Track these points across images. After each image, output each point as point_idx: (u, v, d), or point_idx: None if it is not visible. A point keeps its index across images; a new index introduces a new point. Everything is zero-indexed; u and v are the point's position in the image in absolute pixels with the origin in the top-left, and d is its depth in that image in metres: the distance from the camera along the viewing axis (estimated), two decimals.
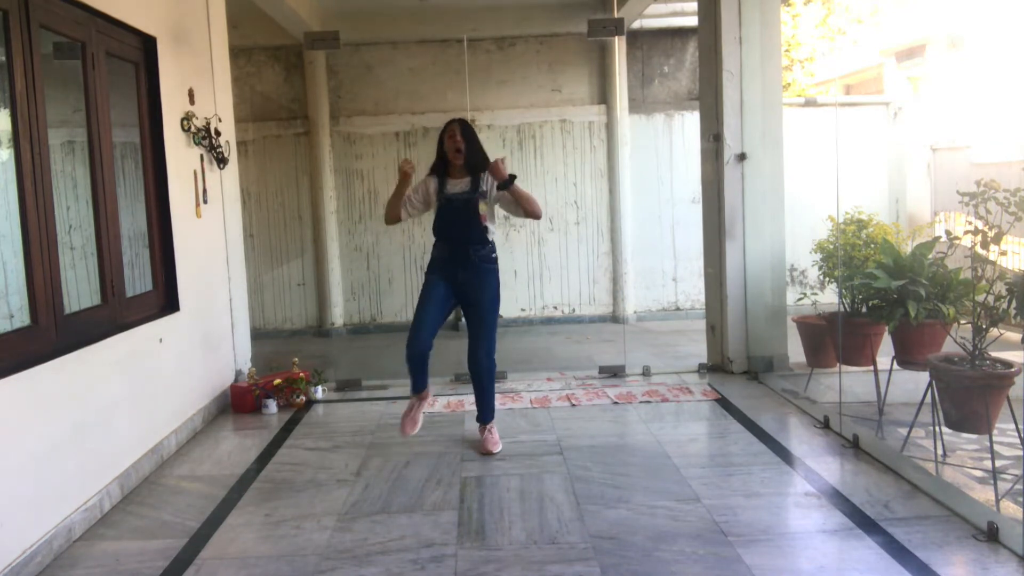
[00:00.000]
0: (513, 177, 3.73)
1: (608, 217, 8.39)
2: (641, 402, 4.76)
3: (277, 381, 4.87)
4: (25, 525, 2.82)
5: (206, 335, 4.69)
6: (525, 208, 3.78)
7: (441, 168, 3.88)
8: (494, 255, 3.89)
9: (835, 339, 4.85)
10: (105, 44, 3.70)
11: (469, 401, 4.87)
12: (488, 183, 3.79)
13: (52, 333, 3.12)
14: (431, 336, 3.81)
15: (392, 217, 3.92)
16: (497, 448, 3.93)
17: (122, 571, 2.84)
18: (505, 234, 8.27)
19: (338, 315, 8.16)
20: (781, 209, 5.31)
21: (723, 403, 4.70)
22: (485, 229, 3.81)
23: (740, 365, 5.35)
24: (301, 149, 8.23)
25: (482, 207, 3.78)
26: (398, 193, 3.84)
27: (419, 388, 3.92)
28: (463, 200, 3.79)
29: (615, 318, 8.39)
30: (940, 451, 4.14)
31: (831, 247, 5.12)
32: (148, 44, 4.12)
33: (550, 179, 8.35)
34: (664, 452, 3.86)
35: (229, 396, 4.89)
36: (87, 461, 3.26)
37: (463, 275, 3.80)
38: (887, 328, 4.56)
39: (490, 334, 3.91)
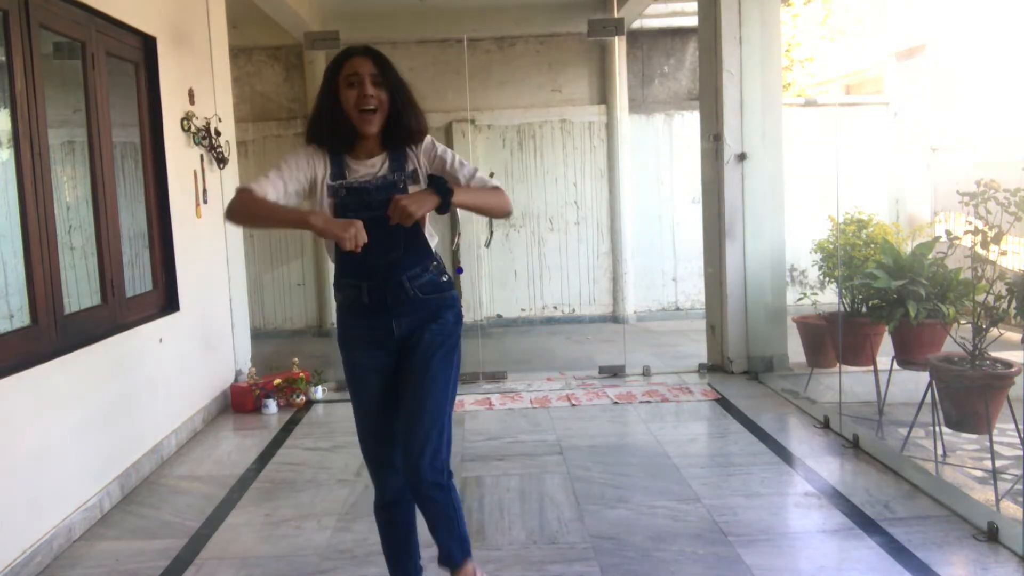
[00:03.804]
0: (446, 191, 2.05)
1: (608, 217, 8.38)
2: (641, 402, 4.76)
3: (277, 381, 4.87)
4: (25, 525, 2.82)
5: (206, 335, 4.68)
6: (490, 212, 2.27)
7: (335, 137, 2.16)
8: (446, 278, 2.26)
9: (835, 339, 4.85)
10: (105, 44, 3.70)
11: (469, 401, 4.88)
12: (422, 155, 2.21)
13: (52, 333, 3.12)
14: (396, 462, 2.24)
15: (246, 225, 2.29)
16: None
17: (122, 571, 2.84)
18: (505, 234, 8.27)
19: None
20: (781, 209, 5.31)
21: (723, 403, 4.70)
22: (424, 239, 2.22)
23: (740, 365, 5.35)
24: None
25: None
26: (283, 218, 2.13)
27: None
28: (383, 194, 2.11)
29: (615, 318, 8.38)
30: (940, 451, 4.14)
31: (831, 247, 5.12)
32: (148, 44, 4.13)
33: (550, 179, 8.34)
34: (664, 452, 3.86)
35: (229, 396, 4.89)
36: (87, 461, 3.26)
37: (403, 324, 2.19)
38: (887, 328, 4.56)
39: (435, 414, 2.15)
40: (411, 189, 2.14)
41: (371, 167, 2.16)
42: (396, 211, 1.98)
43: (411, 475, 2.15)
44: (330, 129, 2.15)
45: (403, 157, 2.18)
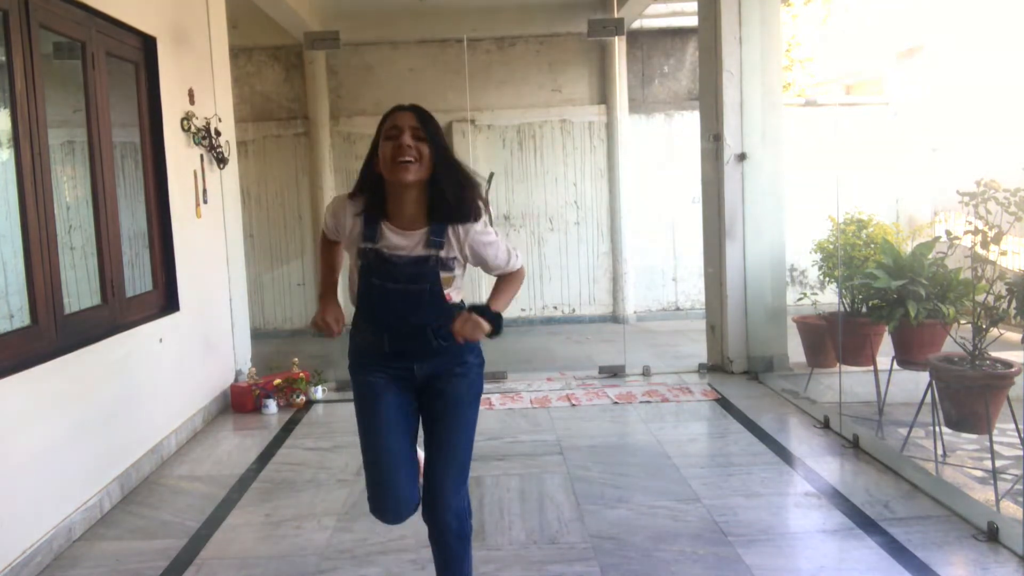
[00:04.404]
0: (495, 319, 2.11)
1: (608, 217, 8.38)
2: (641, 402, 4.76)
3: (277, 381, 4.87)
4: (25, 525, 2.82)
5: (206, 335, 4.68)
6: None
7: (374, 194, 2.10)
8: None
9: (835, 339, 4.85)
10: (105, 44, 3.70)
11: None
12: (460, 237, 2.10)
13: (52, 333, 3.12)
14: (412, 482, 2.20)
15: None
16: None
17: (122, 571, 2.84)
18: (505, 234, 8.22)
19: None
20: (781, 209, 5.31)
21: (723, 403, 4.70)
22: (445, 303, 2.15)
23: (740, 365, 5.35)
24: (301, 149, 8.22)
25: (447, 279, 2.12)
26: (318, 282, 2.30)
27: None
28: (413, 269, 2.07)
29: (615, 318, 8.39)
30: (940, 451, 4.14)
31: (831, 247, 5.12)
32: (148, 44, 4.12)
33: (550, 179, 8.34)
34: (664, 452, 3.86)
35: (229, 396, 4.89)
36: (87, 461, 3.26)
37: (425, 367, 2.18)
38: (887, 328, 4.56)
39: (463, 459, 2.19)
40: (441, 275, 2.09)
41: (407, 239, 2.07)
42: (461, 333, 2.05)
43: (434, 518, 2.16)
44: (366, 183, 2.11)
45: (444, 237, 2.08)
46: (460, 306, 2.18)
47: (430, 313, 2.11)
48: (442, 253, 2.08)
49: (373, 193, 2.10)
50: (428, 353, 2.15)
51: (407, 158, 1.99)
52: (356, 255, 2.12)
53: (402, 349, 2.15)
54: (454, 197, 2.05)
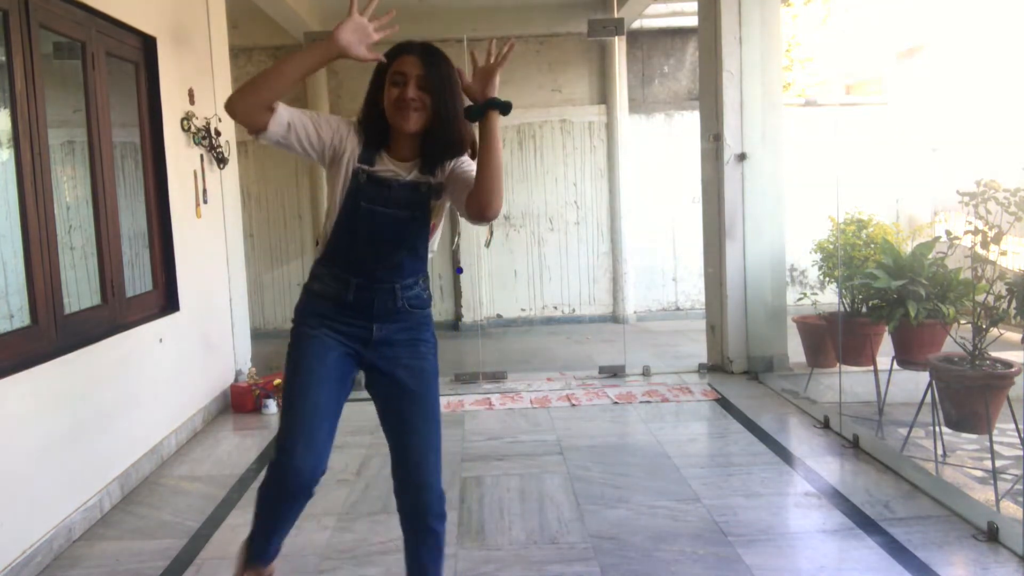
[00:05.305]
0: (506, 106, 1.93)
1: (608, 217, 8.38)
2: (641, 402, 4.76)
3: (277, 381, 4.87)
4: (25, 525, 2.82)
5: (206, 335, 4.68)
6: (488, 184, 1.91)
7: (374, 127, 2.04)
8: (427, 294, 2.16)
9: (835, 339, 4.85)
10: (105, 44, 3.70)
11: (469, 401, 4.88)
12: (446, 167, 2.06)
13: (52, 333, 3.12)
14: (326, 449, 2.11)
15: (253, 105, 1.90)
16: None
17: (122, 571, 2.84)
18: (505, 234, 8.25)
19: None
20: (781, 209, 5.31)
21: (723, 403, 4.70)
22: (425, 250, 2.13)
23: (740, 365, 5.35)
24: None
25: (436, 208, 2.09)
26: (301, 64, 1.99)
27: (271, 554, 2.33)
28: (405, 194, 2.02)
29: (615, 318, 8.39)
30: (940, 451, 4.14)
31: (831, 247, 5.13)
32: (148, 44, 4.13)
33: (550, 179, 8.34)
34: (664, 452, 3.86)
35: (229, 396, 4.89)
36: (87, 461, 3.26)
37: (383, 331, 2.09)
38: (887, 328, 4.56)
39: (439, 438, 2.15)
40: (432, 203, 2.06)
41: (401, 167, 2.05)
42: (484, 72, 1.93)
43: (418, 501, 2.10)
44: (369, 121, 2.05)
45: (436, 167, 2.07)
46: (426, 272, 2.17)
47: (407, 250, 2.06)
48: (433, 180, 2.06)
49: (376, 126, 2.05)
50: (391, 313, 2.08)
51: (410, 109, 1.97)
52: (347, 177, 2.03)
53: (368, 301, 2.06)
54: (447, 147, 2.03)
